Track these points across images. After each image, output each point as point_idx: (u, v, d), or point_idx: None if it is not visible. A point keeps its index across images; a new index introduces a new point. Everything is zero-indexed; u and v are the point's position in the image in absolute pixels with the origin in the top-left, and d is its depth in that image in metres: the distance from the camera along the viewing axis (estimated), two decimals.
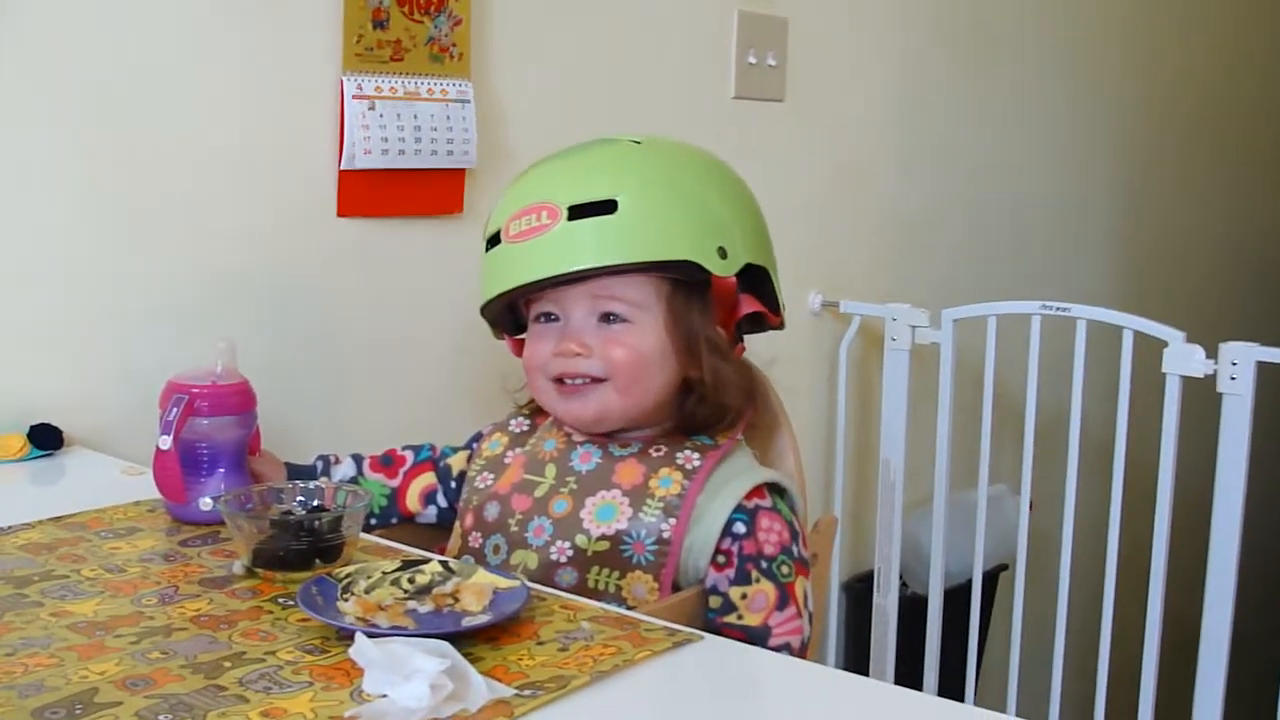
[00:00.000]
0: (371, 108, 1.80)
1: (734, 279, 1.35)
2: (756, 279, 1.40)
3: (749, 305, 1.40)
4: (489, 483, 1.42)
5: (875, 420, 2.64)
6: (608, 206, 1.30)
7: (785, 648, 1.29)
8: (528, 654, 0.99)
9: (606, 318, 1.34)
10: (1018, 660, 2.48)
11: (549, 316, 1.37)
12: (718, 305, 1.37)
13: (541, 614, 1.07)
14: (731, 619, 1.29)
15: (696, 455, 1.34)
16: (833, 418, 2.65)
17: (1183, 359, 2.18)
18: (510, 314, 1.44)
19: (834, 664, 2.72)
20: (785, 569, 1.31)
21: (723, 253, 1.33)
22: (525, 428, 1.46)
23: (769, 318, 1.44)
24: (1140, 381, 2.26)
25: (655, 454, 1.35)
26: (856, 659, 2.70)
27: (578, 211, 1.31)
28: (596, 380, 1.34)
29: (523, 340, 1.43)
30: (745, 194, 1.41)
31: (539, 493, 1.36)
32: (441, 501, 1.51)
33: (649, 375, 1.34)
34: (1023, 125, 3.15)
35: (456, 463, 1.51)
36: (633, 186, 1.32)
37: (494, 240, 1.36)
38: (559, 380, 1.35)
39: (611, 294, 1.33)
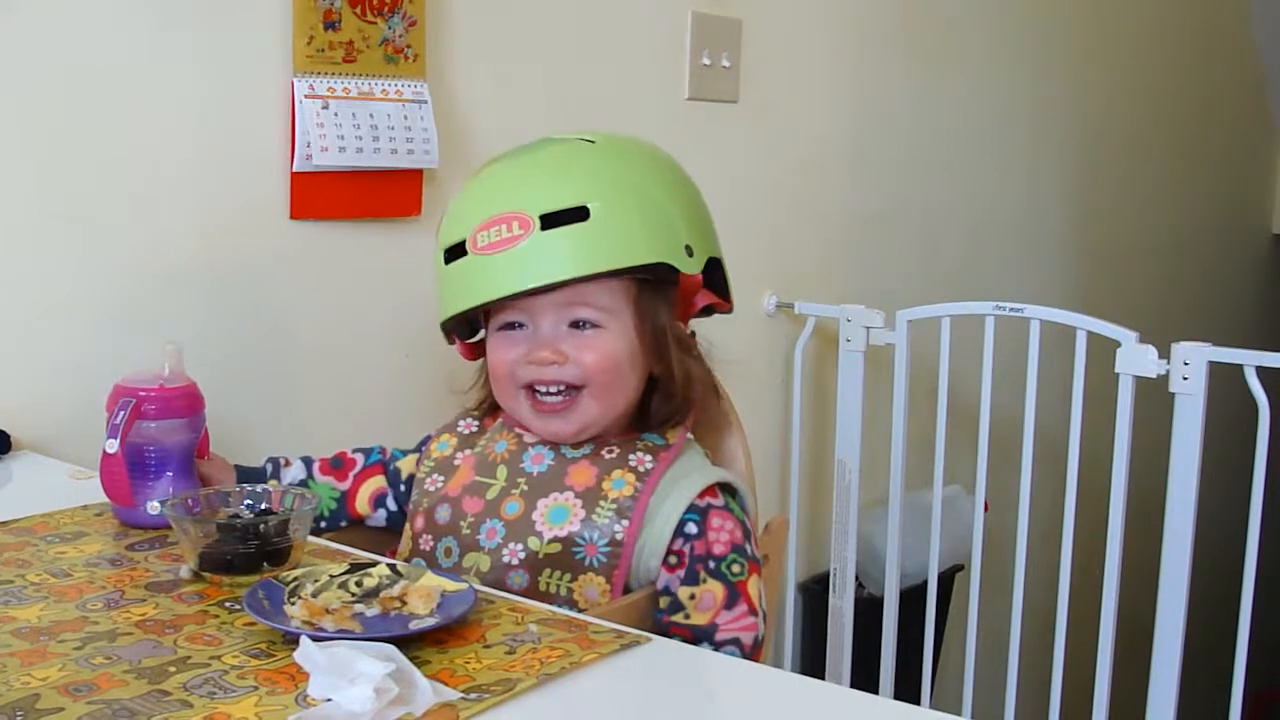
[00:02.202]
0: (325, 107, 1.79)
1: (700, 275, 1.36)
2: (711, 270, 1.40)
3: (705, 298, 1.41)
4: (439, 485, 1.41)
5: (830, 421, 2.65)
6: (579, 214, 1.29)
7: (733, 643, 1.29)
8: (475, 657, 0.98)
9: (576, 324, 1.33)
10: (973, 659, 2.49)
11: (514, 324, 1.35)
12: (679, 300, 1.37)
13: (489, 617, 1.06)
14: (679, 618, 1.29)
15: (649, 457, 1.34)
16: (788, 419, 2.65)
17: (1136, 359, 2.19)
18: (466, 321, 1.43)
19: (790, 665, 2.72)
20: (736, 568, 1.31)
21: (689, 250, 1.34)
22: (474, 429, 1.46)
23: (719, 305, 1.44)
24: (1094, 382, 2.27)
25: (608, 455, 1.35)
26: (813, 660, 2.71)
27: (550, 220, 1.29)
28: (572, 387, 1.33)
29: (474, 344, 1.42)
30: (693, 187, 1.41)
31: (490, 495, 1.36)
32: (391, 505, 1.50)
33: (623, 378, 1.34)
34: (976, 126, 3.16)
35: (406, 466, 1.50)
36: (601, 191, 1.30)
37: (458, 250, 1.33)
38: (531, 389, 1.35)
39: (583, 301, 1.32)
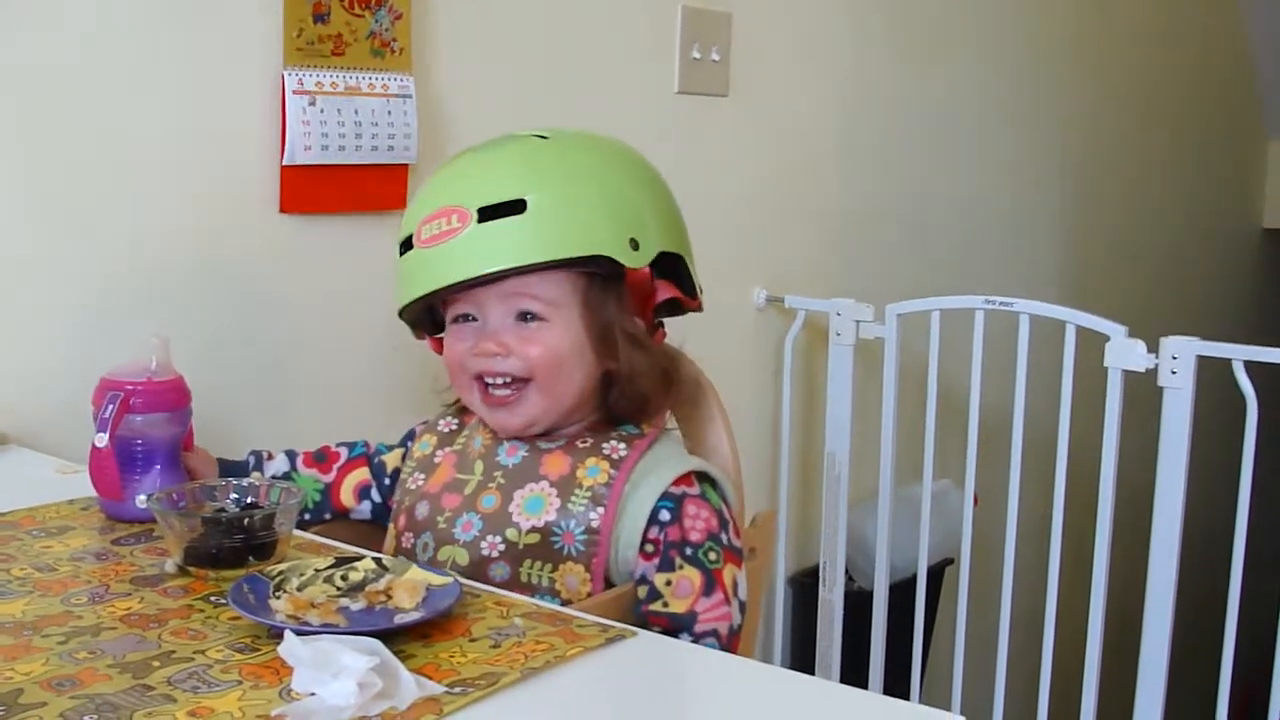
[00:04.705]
0: (312, 103, 1.79)
1: (648, 269, 1.35)
2: (672, 265, 1.40)
3: (665, 291, 1.41)
4: (420, 483, 1.42)
5: (820, 414, 2.65)
6: (516, 206, 1.30)
7: (711, 634, 1.29)
8: (459, 651, 0.98)
9: (524, 316, 1.34)
10: (963, 653, 2.49)
11: (467, 317, 1.37)
12: (633, 294, 1.37)
13: (474, 610, 1.06)
14: (657, 606, 1.29)
15: (622, 445, 1.35)
16: (778, 413, 2.65)
17: (1124, 353, 2.19)
18: (429, 314, 1.44)
19: (779, 658, 2.72)
20: (713, 555, 1.31)
21: (634, 244, 1.33)
22: (454, 426, 1.46)
23: (686, 302, 1.44)
24: (1083, 376, 2.28)
25: (581, 445, 1.36)
26: (802, 653, 2.71)
27: (487, 213, 1.30)
28: (519, 380, 1.34)
29: (443, 339, 1.43)
30: (656, 182, 1.41)
31: (468, 490, 1.37)
32: (375, 497, 1.50)
33: (568, 372, 1.34)
34: (966, 119, 3.16)
35: (391, 460, 1.50)
36: (540, 184, 1.31)
37: (407, 244, 1.36)
38: (481, 381, 1.36)
39: (527, 292, 1.33)
